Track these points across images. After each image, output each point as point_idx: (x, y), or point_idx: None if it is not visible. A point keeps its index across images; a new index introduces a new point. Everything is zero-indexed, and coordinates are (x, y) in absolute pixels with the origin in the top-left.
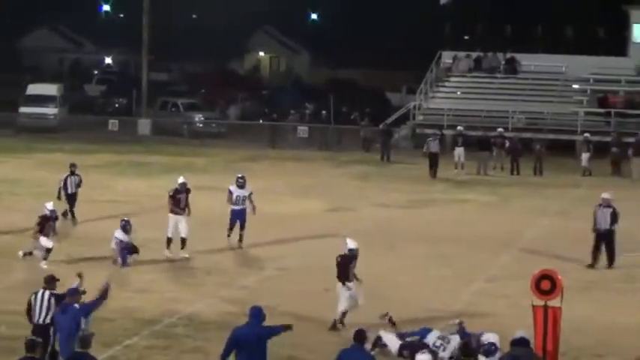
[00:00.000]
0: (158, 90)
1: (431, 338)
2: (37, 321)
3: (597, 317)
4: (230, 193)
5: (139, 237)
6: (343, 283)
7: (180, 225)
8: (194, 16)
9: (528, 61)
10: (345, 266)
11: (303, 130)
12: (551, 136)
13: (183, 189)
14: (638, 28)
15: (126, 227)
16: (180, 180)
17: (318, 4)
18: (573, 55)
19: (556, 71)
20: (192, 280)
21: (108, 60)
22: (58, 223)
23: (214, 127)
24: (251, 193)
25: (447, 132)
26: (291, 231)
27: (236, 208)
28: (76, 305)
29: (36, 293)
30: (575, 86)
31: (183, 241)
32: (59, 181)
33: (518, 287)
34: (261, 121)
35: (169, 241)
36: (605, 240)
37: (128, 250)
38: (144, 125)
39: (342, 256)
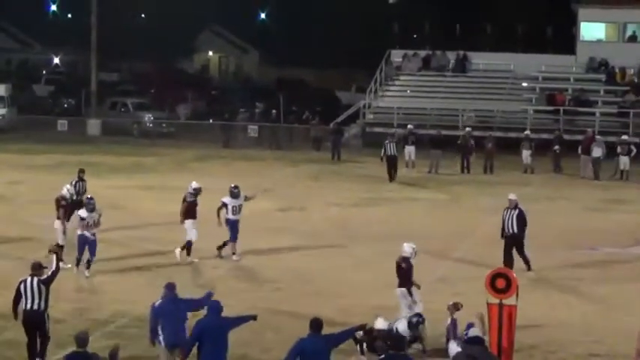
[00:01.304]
0: (107, 90)
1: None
2: (29, 307)
3: (546, 314)
4: (224, 205)
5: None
6: (409, 290)
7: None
8: (142, 15)
9: (477, 59)
10: (410, 271)
11: (253, 130)
12: (500, 134)
13: (198, 193)
14: (585, 27)
15: (89, 204)
16: (195, 185)
17: (266, 3)
18: (522, 53)
19: (505, 69)
20: (142, 280)
21: (56, 60)
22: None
23: (164, 127)
24: (245, 197)
25: (398, 130)
26: (242, 230)
27: (233, 218)
28: (182, 297)
29: (24, 281)
30: (524, 84)
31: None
32: (65, 187)
33: (469, 285)
34: (211, 120)
35: (190, 245)
36: (514, 244)
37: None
38: (93, 125)
39: (405, 260)
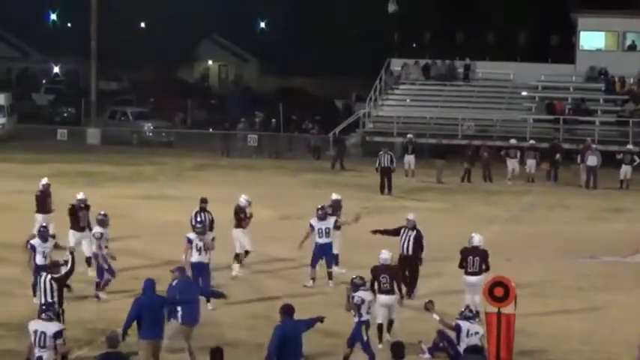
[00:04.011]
0: (107, 99)
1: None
2: (43, 303)
3: (546, 323)
4: (311, 227)
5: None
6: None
7: (338, 241)
8: (142, 24)
9: (477, 68)
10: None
11: (253, 139)
12: (500, 143)
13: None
14: (585, 36)
15: (198, 226)
16: (334, 197)
17: (266, 12)
18: (521, 62)
19: (504, 78)
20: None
21: (56, 69)
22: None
23: (164, 136)
24: (336, 221)
25: (397, 140)
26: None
27: (320, 241)
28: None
29: (40, 276)
30: (524, 93)
31: (337, 257)
32: (190, 219)
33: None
34: (211, 129)
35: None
36: (408, 267)
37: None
38: (93, 134)
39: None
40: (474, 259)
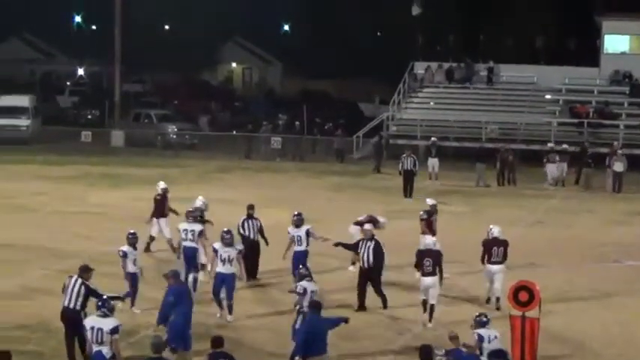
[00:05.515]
0: (131, 101)
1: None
2: (67, 304)
3: (569, 327)
4: (289, 234)
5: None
6: None
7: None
8: (166, 27)
9: (500, 71)
10: None
11: (276, 141)
12: (523, 147)
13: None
14: (609, 39)
15: (225, 238)
16: (431, 201)
17: (290, 15)
18: (545, 65)
19: (528, 82)
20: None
21: (80, 71)
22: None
23: (187, 139)
24: (308, 231)
25: (421, 142)
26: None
27: (296, 249)
28: None
29: (71, 277)
30: (548, 96)
31: None
32: (236, 226)
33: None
34: (234, 132)
35: None
36: (368, 278)
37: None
38: (117, 136)
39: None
40: (498, 249)
